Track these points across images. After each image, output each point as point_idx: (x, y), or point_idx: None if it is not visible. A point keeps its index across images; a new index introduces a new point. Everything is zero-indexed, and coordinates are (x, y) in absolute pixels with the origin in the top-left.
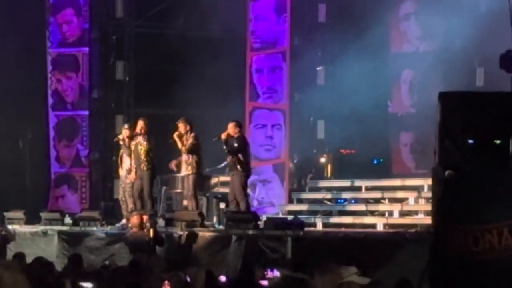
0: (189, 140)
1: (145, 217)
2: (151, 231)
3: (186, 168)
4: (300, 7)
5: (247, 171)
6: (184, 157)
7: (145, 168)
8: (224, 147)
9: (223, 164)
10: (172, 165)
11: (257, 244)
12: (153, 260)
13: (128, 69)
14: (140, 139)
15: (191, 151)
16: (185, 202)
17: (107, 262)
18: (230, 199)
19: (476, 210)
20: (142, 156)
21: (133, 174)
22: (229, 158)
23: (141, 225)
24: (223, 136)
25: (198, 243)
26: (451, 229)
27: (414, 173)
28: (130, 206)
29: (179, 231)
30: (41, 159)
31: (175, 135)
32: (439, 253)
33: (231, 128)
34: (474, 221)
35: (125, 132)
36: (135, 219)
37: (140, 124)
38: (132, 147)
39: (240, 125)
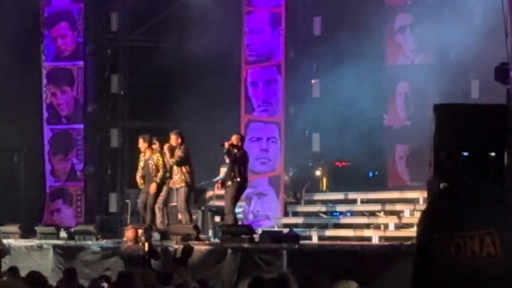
0: (177, 152)
1: (140, 231)
2: (146, 245)
3: (176, 181)
4: (295, 20)
5: (242, 185)
6: (174, 170)
7: (156, 182)
8: (226, 155)
9: (218, 178)
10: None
11: (253, 257)
12: (145, 274)
13: (123, 82)
14: (151, 153)
15: (179, 163)
16: (179, 216)
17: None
18: (226, 213)
19: (458, 218)
20: (155, 171)
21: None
22: (226, 170)
23: (136, 238)
24: (227, 144)
25: (193, 256)
26: (434, 238)
27: (410, 185)
28: (160, 219)
29: (175, 245)
30: (36, 173)
31: (166, 147)
32: (421, 262)
33: (235, 139)
34: (457, 228)
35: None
36: (129, 233)
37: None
38: (142, 162)
39: (243, 139)
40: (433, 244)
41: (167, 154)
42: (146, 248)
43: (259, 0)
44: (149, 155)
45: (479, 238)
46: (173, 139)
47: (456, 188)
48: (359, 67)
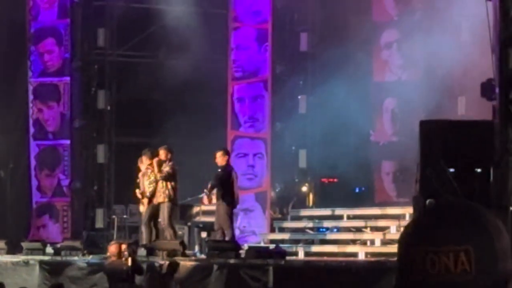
0: (166, 168)
1: (123, 246)
2: (129, 260)
3: (160, 196)
4: (281, 36)
5: (232, 202)
6: (159, 184)
7: (148, 198)
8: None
9: (204, 194)
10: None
11: (239, 273)
12: None
13: (110, 98)
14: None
15: (166, 179)
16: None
17: None
18: (216, 228)
19: (435, 234)
20: (148, 187)
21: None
22: (216, 188)
23: (119, 254)
24: (206, 191)
25: (179, 272)
26: (411, 253)
27: (396, 201)
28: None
29: (160, 261)
30: (22, 189)
31: (155, 161)
32: (399, 277)
33: (220, 157)
34: (432, 243)
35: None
36: (113, 248)
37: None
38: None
39: (228, 153)
40: (409, 259)
41: (156, 169)
42: (129, 263)
43: (246, 16)
44: (143, 172)
45: (453, 254)
46: (163, 154)
47: (436, 205)
48: (346, 83)
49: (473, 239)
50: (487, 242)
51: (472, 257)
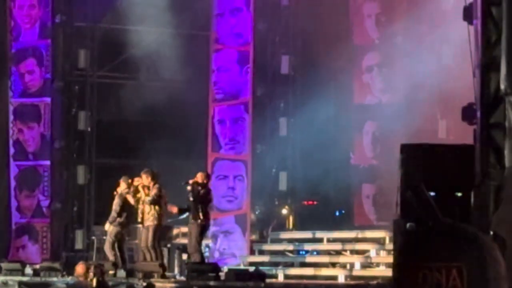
0: (153, 191)
1: (90, 267)
2: (94, 280)
3: (148, 219)
4: (263, 58)
5: (206, 223)
6: (146, 208)
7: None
8: (190, 193)
9: (185, 215)
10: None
11: None
12: None
13: (90, 119)
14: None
15: (154, 202)
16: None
17: None
18: (189, 250)
19: (428, 250)
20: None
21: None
22: (191, 207)
23: (85, 274)
24: (191, 181)
25: None
26: (406, 269)
27: (376, 225)
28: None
29: (138, 282)
30: (2, 209)
31: (140, 186)
32: None
33: (200, 177)
34: (425, 259)
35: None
36: (79, 269)
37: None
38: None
39: (209, 177)
40: (403, 275)
41: (142, 193)
42: (94, 284)
43: (227, 38)
44: (123, 195)
45: (445, 270)
46: (145, 178)
47: (431, 225)
48: (327, 106)
49: (466, 259)
50: (480, 265)
51: (464, 274)
